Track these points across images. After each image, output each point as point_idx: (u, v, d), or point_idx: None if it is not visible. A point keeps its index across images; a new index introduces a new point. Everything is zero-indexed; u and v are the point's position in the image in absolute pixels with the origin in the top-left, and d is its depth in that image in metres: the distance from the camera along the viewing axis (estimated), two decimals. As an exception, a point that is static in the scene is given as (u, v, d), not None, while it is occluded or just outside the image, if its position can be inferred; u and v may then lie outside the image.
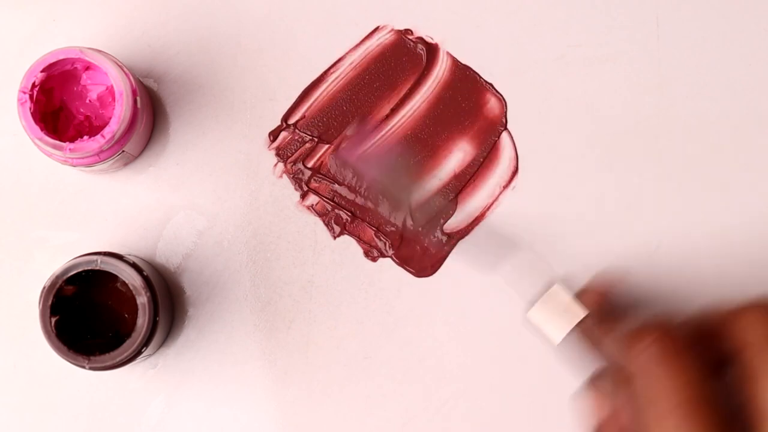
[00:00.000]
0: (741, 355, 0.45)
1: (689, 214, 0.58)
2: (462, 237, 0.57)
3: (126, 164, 0.58)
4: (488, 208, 0.58)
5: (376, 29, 0.59)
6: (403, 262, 0.58)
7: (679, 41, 0.59)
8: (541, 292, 0.53)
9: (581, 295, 0.52)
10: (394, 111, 0.58)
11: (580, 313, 0.52)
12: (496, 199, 0.58)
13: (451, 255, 0.58)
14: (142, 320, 0.52)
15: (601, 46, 0.59)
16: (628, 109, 0.58)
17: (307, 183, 0.58)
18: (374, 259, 0.58)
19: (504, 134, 0.58)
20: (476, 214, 0.58)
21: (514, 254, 0.55)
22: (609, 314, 0.51)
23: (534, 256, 0.56)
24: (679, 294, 0.57)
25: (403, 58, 0.58)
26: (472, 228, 0.58)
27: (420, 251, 0.58)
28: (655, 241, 0.58)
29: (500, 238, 0.56)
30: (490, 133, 0.58)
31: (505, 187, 0.58)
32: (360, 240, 0.58)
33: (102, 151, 0.53)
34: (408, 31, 0.58)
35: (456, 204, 0.57)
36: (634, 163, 0.58)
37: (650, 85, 0.58)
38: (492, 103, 0.58)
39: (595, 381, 0.49)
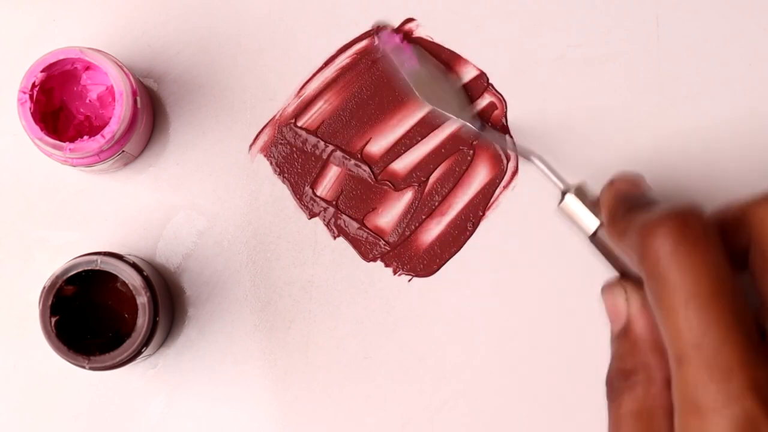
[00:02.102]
0: (760, 246, 0.41)
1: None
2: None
3: (126, 164, 0.58)
4: (488, 208, 0.58)
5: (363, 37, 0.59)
6: (402, 261, 0.58)
7: (679, 41, 0.59)
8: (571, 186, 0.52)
9: (603, 194, 0.48)
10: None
11: (598, 218, 0.50)
12: (496, 199, 0.58)
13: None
14: (142, 320, 0.52)
15: (601, 46, 0.59)
16: (628, 109, 0.58)
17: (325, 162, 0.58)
18: (374, 259, 0.58)
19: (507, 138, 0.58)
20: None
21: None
22: (630, 209, 0.46)
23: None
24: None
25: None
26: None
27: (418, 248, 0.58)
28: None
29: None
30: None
31: (506, 187, 0.58)
32: (360, 236, 0.58)
33: (102, 151, 0.53)
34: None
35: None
36: (634, 164, 0.58)
37: (650, 85, 0.58)
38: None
39: (611, 286, 0.46)
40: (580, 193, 0.51)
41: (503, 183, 0.58)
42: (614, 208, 0.46)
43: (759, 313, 0.41)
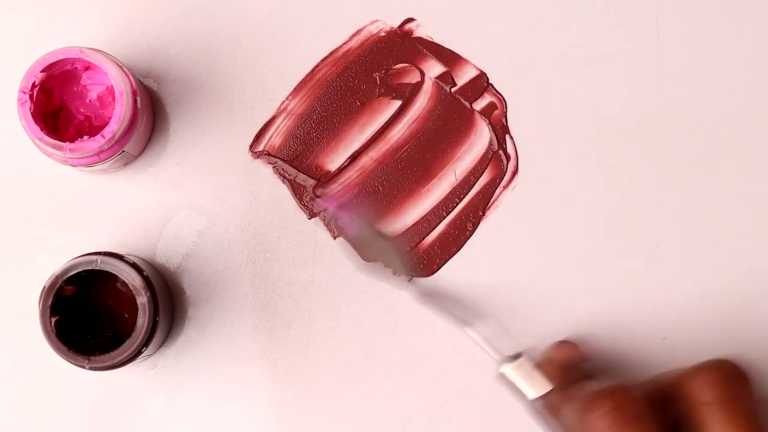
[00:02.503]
0: (694, 415, 0.47)
1: (689, 214, 0.58)
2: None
3: (126, 164, 0.58)
4: (488, 208, 0.58)
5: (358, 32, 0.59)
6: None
7: (679, 41, 0.59)
8: (509, 357, 0.54)
9: (543, 366, 0.53)
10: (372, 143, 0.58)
11: (543, 385, 0.52)
12: (497, 199, 0.58)
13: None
14: (142, 320, 0.52)
15: (601, 46, 0.59)
16: (628, 109, 0.58)
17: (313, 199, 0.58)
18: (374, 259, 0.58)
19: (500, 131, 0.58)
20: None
21: (481, 322, 0.56)
22: (569, 383, 0.52)
23: (500, 326, 0.56)
24: (677, 294, 0.57)
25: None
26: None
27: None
28: (654, 242, 0.58)
29: (468, 306, 0.57)
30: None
31: (506, 187, 0.58)
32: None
33: (102, 151, 0.53)
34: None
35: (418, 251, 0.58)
36: (634, 163, 0.58)
37: (650, 85, 0.58)
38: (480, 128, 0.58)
39: None
40: (521, 363, 0.53)
41: (503, 183, 0.58)
42: (560, 379, 0.52)
43: None
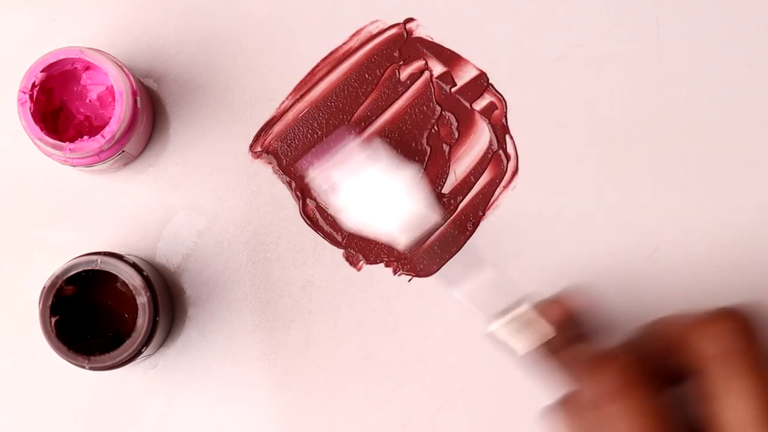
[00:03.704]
0: (701, 370, 0.44)
1: (689, 214, 0.58)
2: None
3: (126, 164, 0.58)
4: (488, 208, 0.58)
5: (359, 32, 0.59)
6: (404, 263, 0.58)
7: (679, 41, 0.59)
8: (507, 308, 0.52)
9: (546, 310, 0.51)
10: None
11: (546, 331, 0.51)
12: (497, 199, 0.58)
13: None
14: (142, 320, 0.52)
15: (601, 46, 0.59)
16: (628, 109, 0.58)
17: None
18: (375, 261, 0.58)
19: (506, 136, 0.58)
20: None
21: (479, 273, 0.55)
22: (573, 332, 0.50)
23: (499, 276, 0.55)
24: (676, 295, 0.57)
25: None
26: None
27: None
28: (654, 242, 0.58)
29: (470, 256, 0.56)
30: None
31: (506, 187, 0.58)
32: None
33: (102, 151, 0.53)
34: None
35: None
36: (634, 163, 0.58)
37: (650, 85, 0.58)
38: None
39: (561, 404, 0.48)
40: (520, 312, 0.51)
41: (503, 183, 0.58)
42: (564, 328, 0.50)
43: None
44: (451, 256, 0.58)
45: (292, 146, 0.58)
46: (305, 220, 0.58)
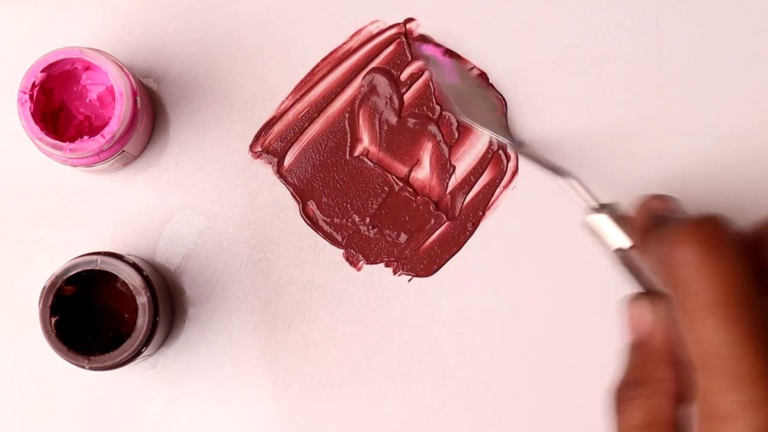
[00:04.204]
0: None
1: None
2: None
3: (126, 164, 0.58)
4: (488, 208, 0.58)
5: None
6: (404, 263, 0.58)
7: (679, 41, 0.59)
8: (606, 203, 0.50)
9: (636, 213, 0.48)
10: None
11: (625, 241, 0.49)
12: (497, 199, 0.58)
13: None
14: (142, 320, 0.52)
15: (601, 46, 0.59)
16: (628, 109, 0.58)
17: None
18: (375, 261, 0.58)
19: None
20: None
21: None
22: (660, 225, 0.46)
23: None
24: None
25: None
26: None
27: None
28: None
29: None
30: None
31: (506, 187, 0.58)
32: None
33: (102, 151, 0.53)
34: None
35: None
36: (634, 164, 0.58)
37: (650, 85, 0.58)
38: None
39: (638, 298, 0.45)
40: (612, 212, 0.50)
41: (503, 183, 0.58)
42: (647, 225, 0.46)
43: None
44: (451, 256, 0.58)
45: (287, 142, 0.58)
46: (305, 220, 0.58)
